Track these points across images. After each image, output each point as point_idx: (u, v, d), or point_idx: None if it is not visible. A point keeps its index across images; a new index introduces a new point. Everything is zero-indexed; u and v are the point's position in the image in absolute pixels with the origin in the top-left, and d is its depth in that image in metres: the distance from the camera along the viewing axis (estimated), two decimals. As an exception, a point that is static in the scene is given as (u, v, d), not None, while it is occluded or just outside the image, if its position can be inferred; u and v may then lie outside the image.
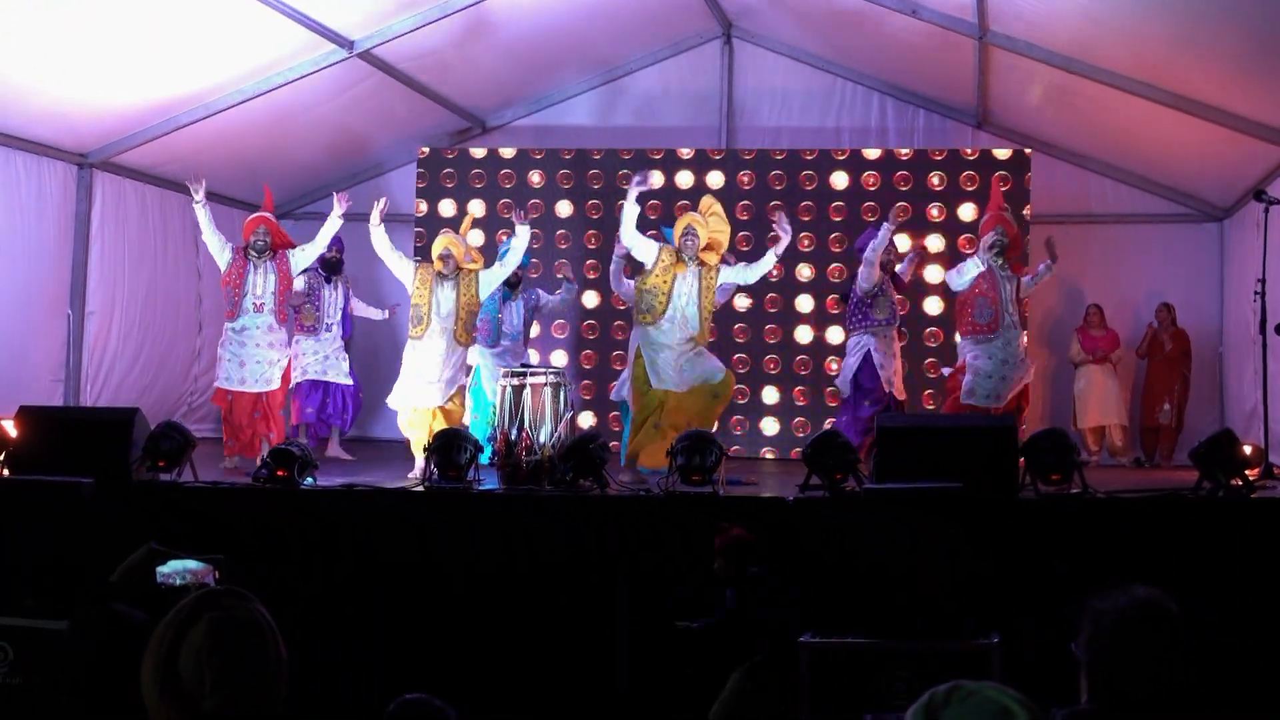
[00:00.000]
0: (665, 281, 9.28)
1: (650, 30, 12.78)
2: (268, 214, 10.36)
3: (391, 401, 9.70)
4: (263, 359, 9.82)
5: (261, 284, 9.88)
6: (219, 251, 9.92)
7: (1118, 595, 3.07)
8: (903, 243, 11.29)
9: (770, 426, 12.25)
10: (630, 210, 9.36)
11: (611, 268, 10.42)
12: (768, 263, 9.52)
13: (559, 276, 11.51)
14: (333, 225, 9.97)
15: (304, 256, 10.16)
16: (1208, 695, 4.12)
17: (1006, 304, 9.68)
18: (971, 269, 9.72)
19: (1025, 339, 10.44)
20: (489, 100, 13.26)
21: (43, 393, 10.49)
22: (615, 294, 11.20)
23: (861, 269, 10.27)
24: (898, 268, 10.60)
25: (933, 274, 12.00)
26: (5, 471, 7.89)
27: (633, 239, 9.38)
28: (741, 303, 12.16)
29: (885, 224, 10.00)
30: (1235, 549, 6.90)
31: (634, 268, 10.05)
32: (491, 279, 9.84)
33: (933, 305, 12.15)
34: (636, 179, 9.41)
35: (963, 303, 9.86)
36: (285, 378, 10.18)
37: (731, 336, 12.20)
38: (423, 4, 10.47)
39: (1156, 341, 11.99)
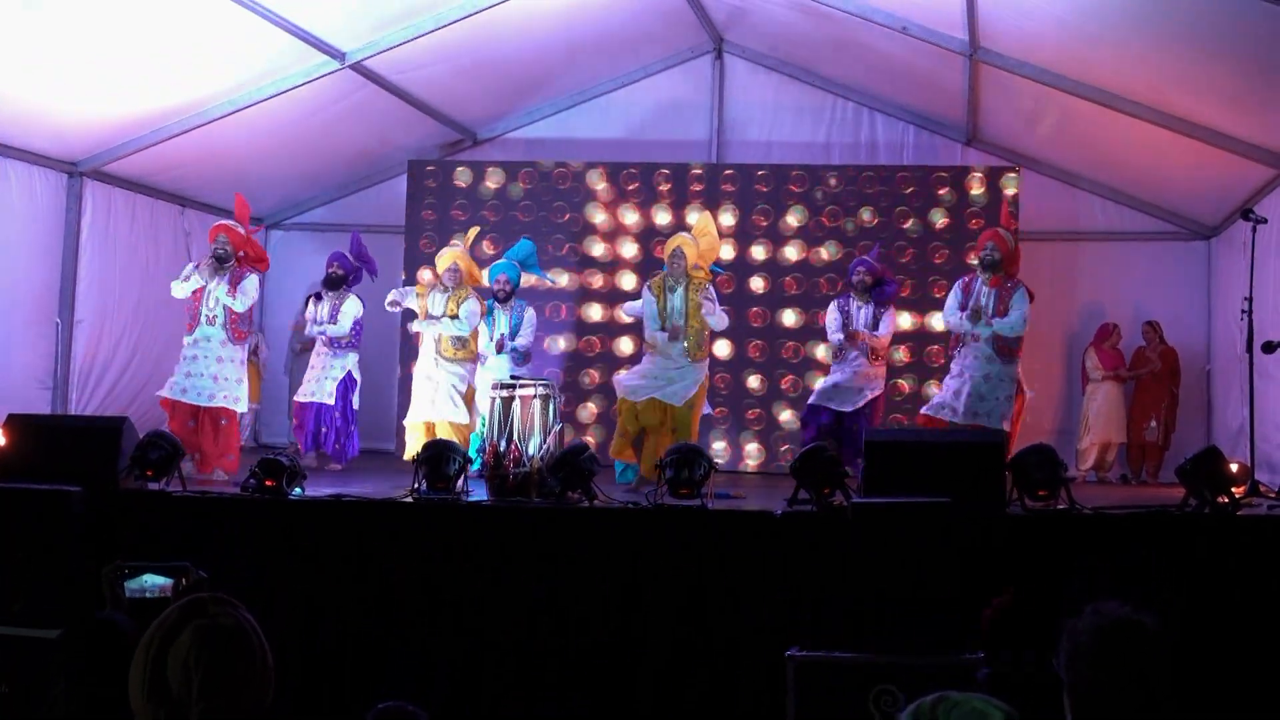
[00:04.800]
0: (660, 299, 10.03)
1: (642, 45, 12.81)
2: (231, 222, 10.28)
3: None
4: (207, 372, 9.70)
5: (215, 297, 9.78)
6: (190, 278, 9.86)
7: (1092, 614, 3.07)
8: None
9: (749, 440, 12.30)
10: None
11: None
12: (719, 321, 10.17)
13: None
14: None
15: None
16: (1190, 711, 4.13)
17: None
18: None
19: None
20: (480, 113, 13.27)
21: (30, 401, 10.44)
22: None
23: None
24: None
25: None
26: (-8, 479, 7.85)
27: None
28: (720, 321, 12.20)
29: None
30: (1221, 566, 6.92)
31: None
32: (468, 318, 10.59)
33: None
34: None
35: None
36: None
37: (712, 349, 12.14)
38: (415, 17, 10.47)
39: (1144, 359, 12.03)
